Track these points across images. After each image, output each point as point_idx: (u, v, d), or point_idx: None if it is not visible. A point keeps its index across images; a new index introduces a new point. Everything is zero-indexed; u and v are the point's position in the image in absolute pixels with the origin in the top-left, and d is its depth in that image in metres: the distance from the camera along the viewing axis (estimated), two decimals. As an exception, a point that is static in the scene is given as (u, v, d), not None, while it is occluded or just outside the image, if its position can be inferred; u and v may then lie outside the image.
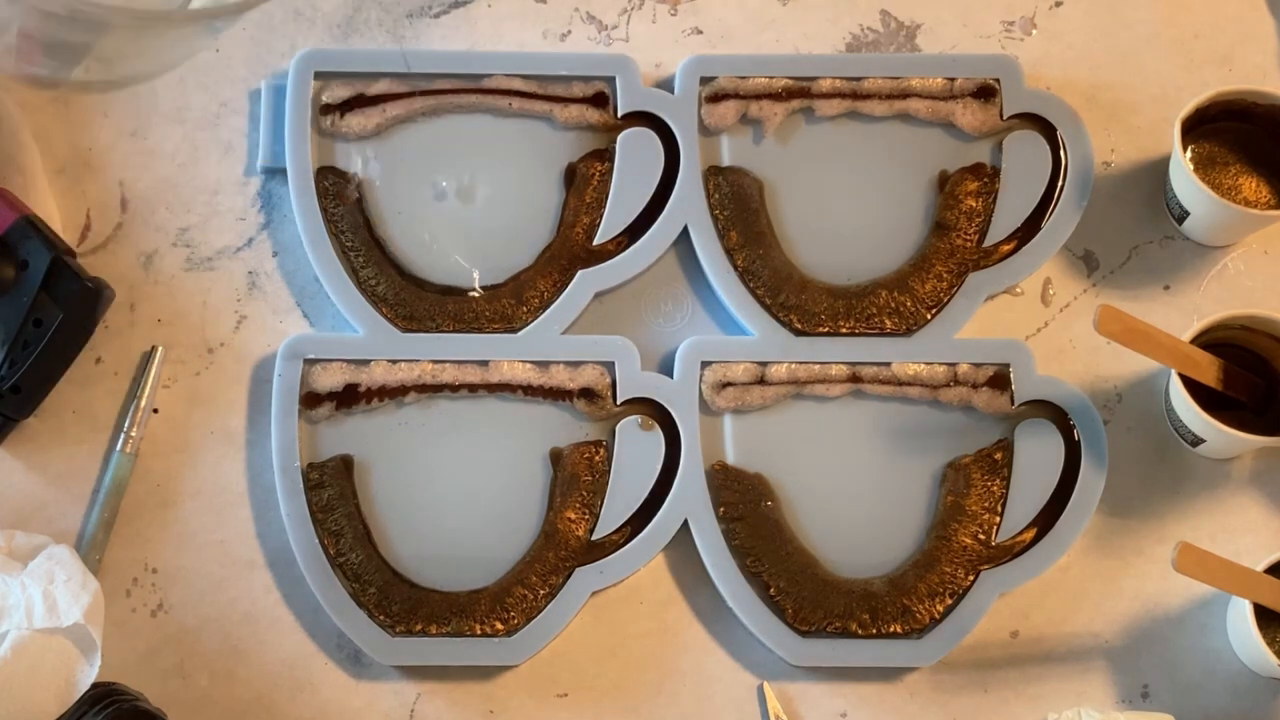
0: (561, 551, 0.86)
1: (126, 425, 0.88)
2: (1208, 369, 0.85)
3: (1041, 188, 0.92)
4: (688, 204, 0.91)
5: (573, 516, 0.87)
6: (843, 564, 0.87)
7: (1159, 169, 0.93)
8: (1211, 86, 0.89)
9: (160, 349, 0.89)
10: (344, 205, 0.91)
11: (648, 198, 0.92)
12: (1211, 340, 0.86)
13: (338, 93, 0.92)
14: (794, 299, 0.90)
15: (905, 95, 0.93)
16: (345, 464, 0.87)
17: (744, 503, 0.87)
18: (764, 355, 0.89)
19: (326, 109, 0.92)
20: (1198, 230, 0.91)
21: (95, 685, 0.78)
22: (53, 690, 0.77)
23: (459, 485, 0.88)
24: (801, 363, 0.89)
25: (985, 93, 0.93)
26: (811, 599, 0.85)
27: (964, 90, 0.93)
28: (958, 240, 0.91)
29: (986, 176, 0.92)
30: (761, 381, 0.88)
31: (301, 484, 0.87)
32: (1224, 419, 0.84)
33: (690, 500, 0.87)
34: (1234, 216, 0.89)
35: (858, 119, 0.93)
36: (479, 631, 0.85)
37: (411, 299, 0.90)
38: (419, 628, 0.85)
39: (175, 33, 0.82)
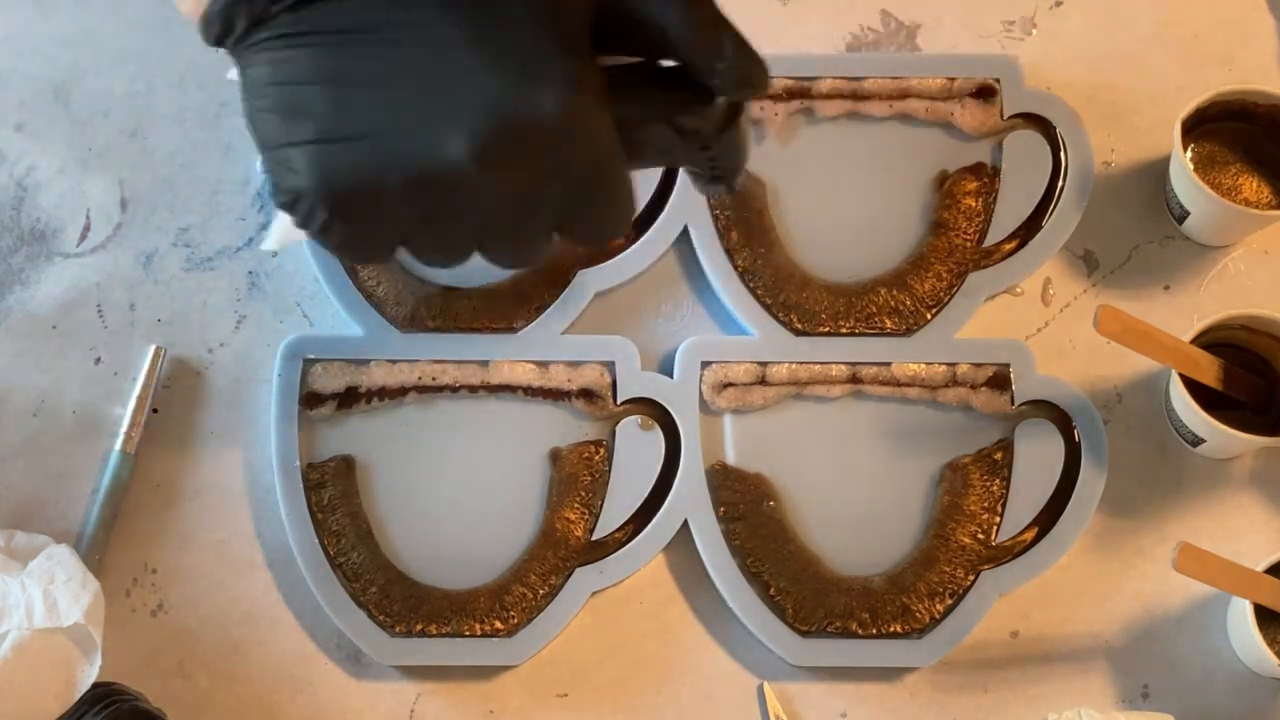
0: (561, 551, 0.86)
1: (126, 425, 0.88)
2: (1208, 369, 0.85)
3: (1041, 188, 0.92)
4: (688, 204, 0.91)
5: (572, 516, 0.87)
6: (843, 565, 0.87)
7: (1159, 169, 0.93)
8: (1211, 86, 0.89)
9: (160, 349, 0.89)
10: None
11: (648, 198, 0.92)
12: (1212, 340, 0.86)
13: (338, 93, 0.92)
14: (794, 298, 0.90)
15: (905, 95, 0.93)
16: (346, 464, 0.87)
17: (744, 503, 0.87)
18: (764, 355, 0.89)
19: (326, 109, 0.92)
20: (1198, 230, 0.91)
21: (95, 685, 0.78)
22: (53, 690, 0.77)
23: (459, 485, 0.87)
24: (802, 363, 0.89)
25: (985, 93, 0.93)
26: (812, 599, 0.85)
27: (964, 90, 0.93)
28: (957, 240, 0.91)
29: (986, 176, 0.92)
30: (762, 382, 0.88)
31: (301, 484, 0.86)
32: (1224, 419, 0.84)
33: (690, 500, 0.87)
34: (1234, 216, 0.89)
35: (858, 119, 0.93)
36: (479, 631, 0.85)
37: (411, 299, 0.90)
38: (419, 628, 0.85)
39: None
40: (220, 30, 0.60)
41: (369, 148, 0.59)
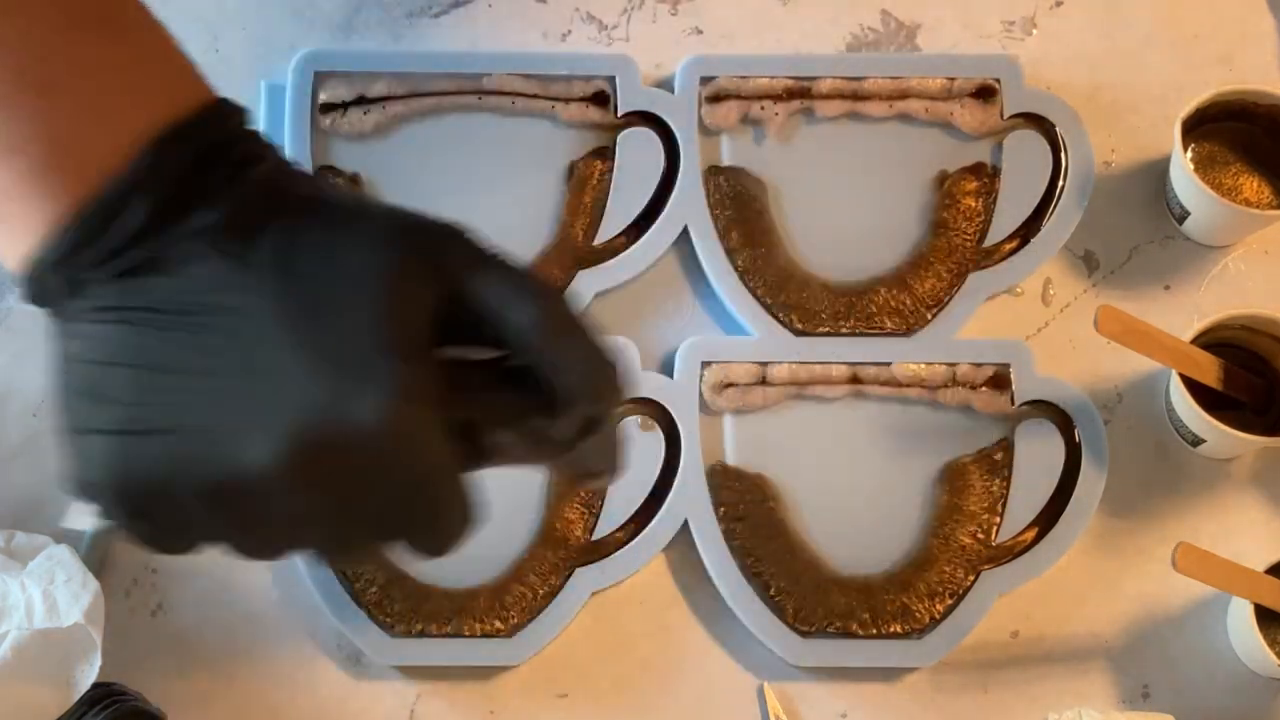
0: (561, 551, 0.86)
1: (126, 425, 0.87)
2: (1208, 369, 0.85)
3: (1041, 188, 0.92)
4: (688, 204, 0.91)
5: (572, 516, 0.87)
6: (843, 565, 0.87)
7: (1159, 169, 0.93)
8: (1211, 86, 0.89)
9: (160, 349, 0.89)
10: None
11: (648, 198, 0.92)
12: (1212, 340, 0.86)
13: (338, 92, 0.92)
14: (794, 298, 0.90)
15: (905, 95, 0.93)
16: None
17: (744, 503, 0.87)
18: (764, 355, 0.89)
19: (327, 108, 0.92)
20: (1198, 230, 0.91)
21: (95, 685, 0.78)
22: (53, 690, 0.77)
23: (459, 485, 0.87)
24: (802, 363, 0.88)
25: (985, 93, 0.93)
26: (812, 599, 0.85)
27: (964, 90, 0.93)
28: (957, 240, 0.91)
29: (986, 176, 0.92)
30: (762, 382, 0.88)
31: (301, 484, 0.86)
32: (1224, 419, 0.84)
33: (690, 500, 0.87)
34: (1234, 216, 0.89)
35: (858, 119, 0.93)
36: (479, 631, 0.85)
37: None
38: (419, 628, 0.85)
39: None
40: (35, 292, 0.53)
41: (167, 446, 0.52)
